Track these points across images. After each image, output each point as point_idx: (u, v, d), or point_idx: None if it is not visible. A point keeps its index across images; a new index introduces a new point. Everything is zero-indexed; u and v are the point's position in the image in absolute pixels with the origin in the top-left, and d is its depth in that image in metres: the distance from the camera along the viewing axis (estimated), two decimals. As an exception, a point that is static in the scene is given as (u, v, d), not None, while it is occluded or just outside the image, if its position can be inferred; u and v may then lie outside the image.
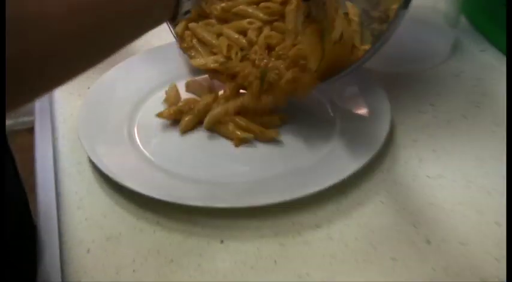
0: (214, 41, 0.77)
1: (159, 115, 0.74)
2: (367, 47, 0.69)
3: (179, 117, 0.74)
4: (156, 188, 0.63)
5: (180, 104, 0.75)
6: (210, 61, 0.76)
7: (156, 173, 0.67)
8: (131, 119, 0.76)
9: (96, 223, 0.63)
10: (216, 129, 0.73)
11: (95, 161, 0.66)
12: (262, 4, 0.76)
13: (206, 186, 0.65)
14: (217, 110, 0.72)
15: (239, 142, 0.71)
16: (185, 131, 0.73)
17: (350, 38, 0.69)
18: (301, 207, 0.62)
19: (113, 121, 0.75)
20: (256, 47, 0.72)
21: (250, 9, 0.76)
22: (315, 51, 0.65)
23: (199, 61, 0.78)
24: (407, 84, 0.81)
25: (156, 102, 0.79)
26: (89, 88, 0.80)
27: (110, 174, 0.64)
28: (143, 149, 0.71)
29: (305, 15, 0.65)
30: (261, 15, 0.75)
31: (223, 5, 0.78)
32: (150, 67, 0.85)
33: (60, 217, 0.64)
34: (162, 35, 0.78)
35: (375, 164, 0.67)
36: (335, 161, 0.67)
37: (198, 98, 0.77)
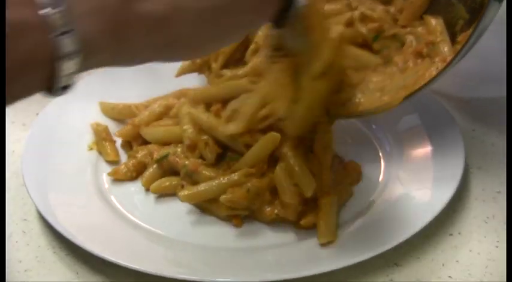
0: None
1: (112, 175, 0.80)
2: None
3: (141, 171, 0.80)
4: (134, 256, 0.68)
5: (139, 154, 0.81)
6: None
7: (134, 234, 0.72)
8: (98, 156, 0.82)
9: (49, 304, 0.67)
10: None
11: (46, 216, 0.71)
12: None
13: (206, 254, 0.70)
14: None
15: (240, 221, 0.75)
16: (149, 187, 0.78)
17: (341, 70, 0.74)
18: (338, 284, 0.67)
19: (71, 160, 0.80)
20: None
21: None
22: (284, 93, 0.71)
23: None
24: (489, 112, 0.87)
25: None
26: (37, 114, 0.86)
27: (68, 236, 0.69)
28: (115, 201, 0.77)
29: (275, 47, 0.70)
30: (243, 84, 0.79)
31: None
32: (125, 80, 0.91)
33: (-3, 296, 0.69)
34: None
35: (441, 225, 0.72)
36: (384, 221, 0.72)
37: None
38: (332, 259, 0.67)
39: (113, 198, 0.77)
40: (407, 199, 0.74)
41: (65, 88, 0.51)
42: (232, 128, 0.75)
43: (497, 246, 0.70)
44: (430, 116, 0.83)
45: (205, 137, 0.76)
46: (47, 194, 0.75)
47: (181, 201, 0.74)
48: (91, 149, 0.83)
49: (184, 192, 0.74)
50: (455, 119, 0.82)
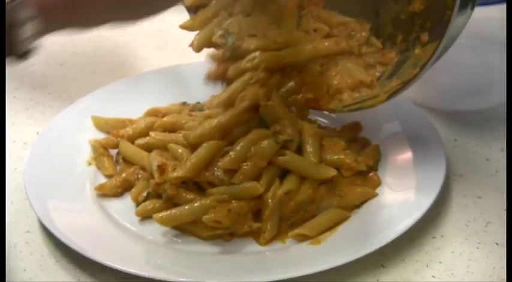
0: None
1: (98, 189, 0.84)
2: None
3: (127, 188, 0.85)
4: (134, 262, 0.72)
5: (125, 174, 0.85)
6: None
7: (132, 242, 0.77)
8: (97, 171, 0.87)
9: (53, 311, 0.71)
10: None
11: (48, 226, 0.75)
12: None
13: (210, 258, 0.75)
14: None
15: (229, 236, 0.78)
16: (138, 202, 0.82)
17: None
18: (326, 285, 0.71)
19: (71, 175, 0.85)
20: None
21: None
22: None
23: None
24: (470, 124, 0.92)
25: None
26: (38, 133, 0.92)
27: (69, 244, 0.73)
28: (113, 212, 0.81)
29: None
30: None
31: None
32: (122, 100, 0.97)
33: (2, 304, 0.72)
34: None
35: (424, 228, 0.76)
36: (369, 225, 0.76)
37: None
38: (319, 261, 0.71)
39: (111, 209, 0.81)
40: (393, 204, 0.78)
41: (28, 53, 0.55)
42: (175, 173, 0.79)
43: (477, 248, 0.74)
44: (413, 127, 0.88)
45: (175, 163, 0.81)
46: (48, 206, 0.79)
47: (159, 224, 0.77)
48: (90, 164, 0.88)
49: (160, 215, 0.77)
50: (438, 129, 0.86)
